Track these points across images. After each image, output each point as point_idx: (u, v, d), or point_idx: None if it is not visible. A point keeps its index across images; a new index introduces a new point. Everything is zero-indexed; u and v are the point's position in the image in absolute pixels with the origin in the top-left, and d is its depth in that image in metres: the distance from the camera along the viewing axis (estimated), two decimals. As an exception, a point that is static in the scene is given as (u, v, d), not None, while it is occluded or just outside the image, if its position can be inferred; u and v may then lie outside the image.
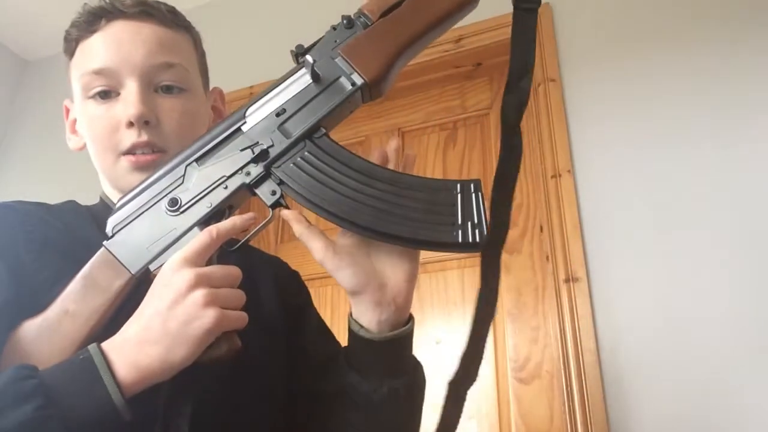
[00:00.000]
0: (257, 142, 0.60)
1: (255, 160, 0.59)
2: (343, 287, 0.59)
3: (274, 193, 0.59)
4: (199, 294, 0.50)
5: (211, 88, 0.78)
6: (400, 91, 1.75)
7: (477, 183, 0.57)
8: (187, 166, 0.60)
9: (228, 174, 0.59)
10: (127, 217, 0.59)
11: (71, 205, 0.71)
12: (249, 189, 0.60)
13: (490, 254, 0.53)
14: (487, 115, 1.65)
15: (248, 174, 0.59)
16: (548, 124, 1.43)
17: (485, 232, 0.55)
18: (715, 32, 1.36)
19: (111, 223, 0.59)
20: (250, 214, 0.58)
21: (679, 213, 1.24)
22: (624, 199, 1.30)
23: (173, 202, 0.58)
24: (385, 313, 0.58)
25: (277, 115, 0.61)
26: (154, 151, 0.65)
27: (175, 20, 0.70)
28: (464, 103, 1.69)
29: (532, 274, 1.41)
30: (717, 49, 1.34)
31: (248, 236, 0.62)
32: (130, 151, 0.64)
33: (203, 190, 0.59)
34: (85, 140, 0.70)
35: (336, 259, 0.58)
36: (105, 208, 0.69)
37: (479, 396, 1.34)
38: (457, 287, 1.47)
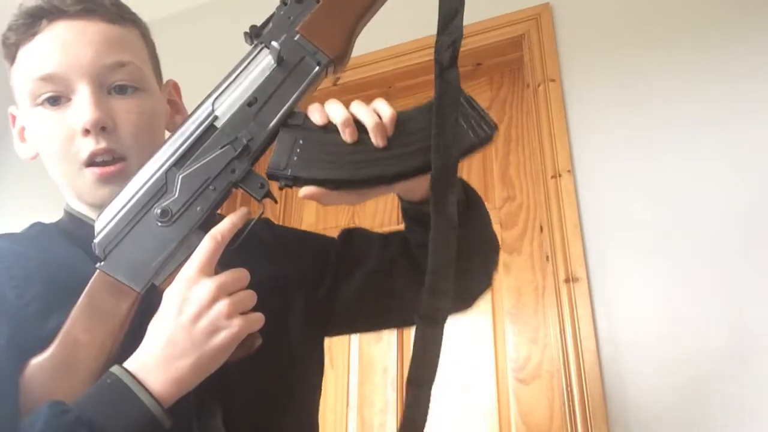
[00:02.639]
0: (236, 137, 0.58)
1: (238, 156, 0.58)
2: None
3: (262, 186, 0.59)
4: (223, 305, 0.51)
5: (165, 81, 0.75)
6: (400, 91, 1.75)
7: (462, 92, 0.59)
8: (167, 173, 0.58)
9: (213, 175, 0.58)
10: (116, 235, 0.57)
11: (37, 227, 0.68)
12: (236, 186, 0.59)
13: (437, 188, 0.55)
14: (487, 115, 1.65)
15: (233, 171, 0.58)
16: (548, 124, 1.43)
17: (492, 123, 0.58)
18: (715, 32, 1.36)
19: (100, 245, 0.57)
20: (244, 209, 0.58)
21: (679, 213, 1.24)
22: (624, 199, 1.30)
23: (164, 213, 0.57)
24: (422, 182, 0.60)
25: (249, 105, 0.59)
26: (115, 158, 0.62)
27: (120, 14, 0.66)
28: (464, 103, 1.69)
29: (532, 274, 1.41)
30: (717, 48, 1.34)
31: (245, 231, 0.62)
32: (90, 160, 0.61)
33: (191, 196, 0.58)
34: (38, 150, 0.66)
35: (358, 193, 0.60)
36: (72, 220, 0.67)
37: (479, 396, 1.34)
38: (457, 287, 1.47)
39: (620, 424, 1.13)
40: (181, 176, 0.58)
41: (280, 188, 0.59)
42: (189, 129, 0.59)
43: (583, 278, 1.25)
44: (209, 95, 0.60)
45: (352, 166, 0.57)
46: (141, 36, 0.69)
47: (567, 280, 1.27)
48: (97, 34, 0.62)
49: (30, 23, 0.62)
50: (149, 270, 0.56)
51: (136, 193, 0.58)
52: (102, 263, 0.57)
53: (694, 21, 1.39)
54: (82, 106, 0.60)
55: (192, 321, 0.51)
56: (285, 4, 0.62)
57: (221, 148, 0.58)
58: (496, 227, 1.51)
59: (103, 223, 0.58)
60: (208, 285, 0.52)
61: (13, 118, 0.70)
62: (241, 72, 0.61)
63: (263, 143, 0.59)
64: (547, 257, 1.35)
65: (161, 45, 0.75)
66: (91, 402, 0.48)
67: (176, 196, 0.57)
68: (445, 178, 0.55)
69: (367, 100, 2.03)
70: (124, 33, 0.66)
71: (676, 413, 1.11)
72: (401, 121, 0.58)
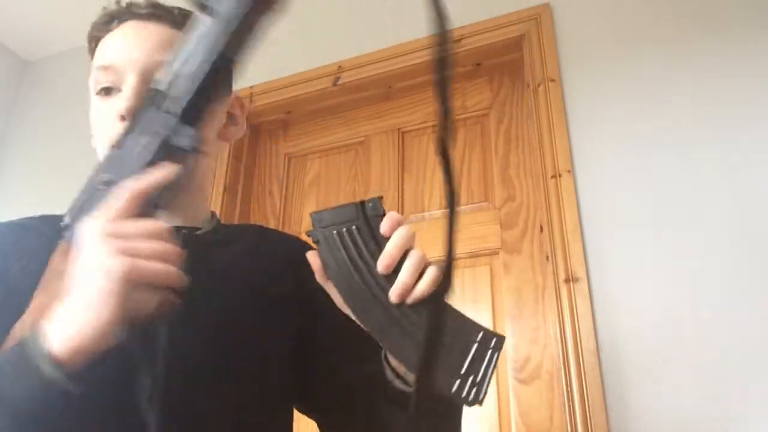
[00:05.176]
0: (156, 91, 0.57)
1: (165, 111, 0.57)
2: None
3: (190, 137, 0.57)
4: (106, 244, 0.48)
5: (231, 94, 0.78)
6: (400, 91, 1.75)
7: (500, 341, 0.52)
8: (112, 147, 0.59)
9: (147, 138, 0.57)
10: (77, 208, 0.58)
11: (27, 222, 0.72)
12: (166, 143, 0.57)
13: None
14: (487, 115, 1.65)
15: (163, 128, 0.57)
16: (548, 124, 1.43)
17: (482, 395, 0.51)
18: (715, 32, 1.36)
19: (68, 217, 0.58)
20: (170, 167, 0.55)
21: (679, 213, 1.24)
22: (624, 199, 1.30)
23: (106, 182, 0.57)
24: None
25: (183, 64, 0.57)
26: None
27: (186, 22, 0.69)
28: (464, 103, 1.69)
29: (532, 274, 1.41)
30: (717, 48, 1.34)
31: (207, 227, 0.62)
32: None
33: (130, 163, 0.57)
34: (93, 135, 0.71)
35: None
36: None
37: (479, 396, 1.34)
38: (457, 287, 1.47)
39: (620, 424, 1.13)
40: (125, 146, 0.58)
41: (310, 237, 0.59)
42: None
43: (583, 278, 1.25)
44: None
45: (362, 295, 0.56)
46: None
47: (567, 280, 1.27)
48: (155, 34, 0.68)
49: (106, 22, 0.70)
50: None
51: (97, 170, 0.59)
52: (68, 234, 0.57)
53: (695, 20, 1.39)
54: (123, 95, 0.65)
55: (80, 266, 0.49)
56: None
57: (154, 111, 0.58)
58: (496, 227, 1.52)
59: (75, 198, 0.59)
60: (94, 226, 0.49)
61: None
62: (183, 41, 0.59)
63: (186, 89, 0.56)
64: (547, 257, 1.35)
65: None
66: (3, 358, 0.48)
67: (119, 166, 0.58)
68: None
69: (367, 100, 2.02)
70: None
71: (676, 413, 1.11)
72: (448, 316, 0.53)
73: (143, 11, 0.69)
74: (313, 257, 0.58)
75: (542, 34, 1.53)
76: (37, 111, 2.35)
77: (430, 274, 0.53)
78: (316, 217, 0.58)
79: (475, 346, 0.52)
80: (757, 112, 1.25)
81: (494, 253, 1.48)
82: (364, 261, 0.56)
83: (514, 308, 1.39)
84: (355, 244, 0.56)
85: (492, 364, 0.51)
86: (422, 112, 1.73)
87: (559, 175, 1.37)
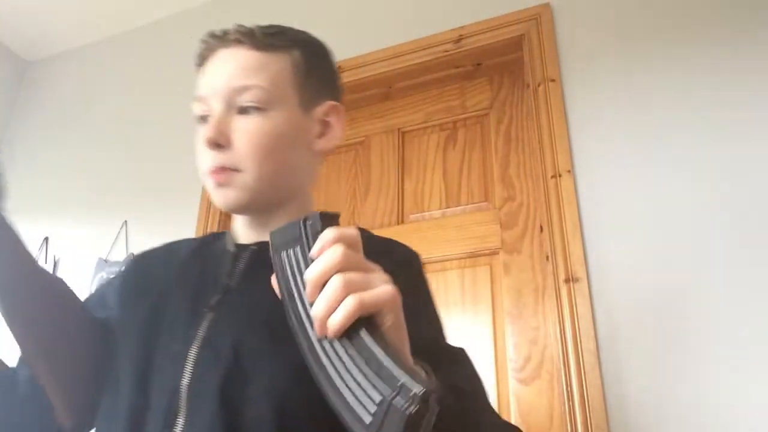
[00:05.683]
0: None
1: None
2: None
3: None
4: None
5: (327, 103, 0.75)
6: (400, 91, 1.75)
7: (418, 396, 0.40)
8: None
9: None
10: None
11: (182, 242, 0.80)
12: None
13: None
14: (487, 115, 1.65)
15: None
16: (548, 124, 1.43)
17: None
18: (715, 32, 1.36)
19: None
20: None
21: (679, 213, 1.24)
22: (624, 199, 1.30)
23: None
24: None
25: None
26: (228, 170, 0.68)
27: (269, 42, 0.71)
28: (464, 103, 1.69)
29: (532, 274, 1.41)
30: (717, 48, 1.34)
31: None
32: (210, 171, 0.68)
33: None
34: None
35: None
36: (214, 235, 0.78)
37: (479, 396, 1.34)
38: (457, 287, 1.47)
39: (620, 424, 1.13)
40: None
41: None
42: None
43: (583, 278, 1.25)
44: None
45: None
46: (290, 62, 0.73)
47: (567, 280, 1.27)
48: (235, 60, 0.70)
49: (201, 54, 0.74)
50: None
51: None
52: None
53: (695, 20, 1.39)
54: (207, 125, 0.69)
55: None
56: None
57: None
58: (496, 227, 1.52)
59: None
60: None
61: None
62: None
63: None
64: (547, 257, 1.35)
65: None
66: None
67: None
68: None
69: (367, 100, 2.01)
70: (265, 59, 0.71)
71: (677, 413, 1.11)
72: (375, 358, 0.43)
73: (229, 38, 0.71)
74: (274, 282, 0.51)
75: (542, 34, 1.53)
76: (37, 111, 2.35)
77: (347, 304, 0.43)
78: (270, 237, 0.52)
79: (392, 394, 0.41)
80: (757, 113, 1.25)
81: (494, 253, 1.48)
82: (298, 289, 0.48)
83: (514, 308, 1.39)
84: (292, 268, 0.48)
85: (405, 421, 0.40)
86: (422, 112, 1.73)
87: (559, 175, 1.37)
